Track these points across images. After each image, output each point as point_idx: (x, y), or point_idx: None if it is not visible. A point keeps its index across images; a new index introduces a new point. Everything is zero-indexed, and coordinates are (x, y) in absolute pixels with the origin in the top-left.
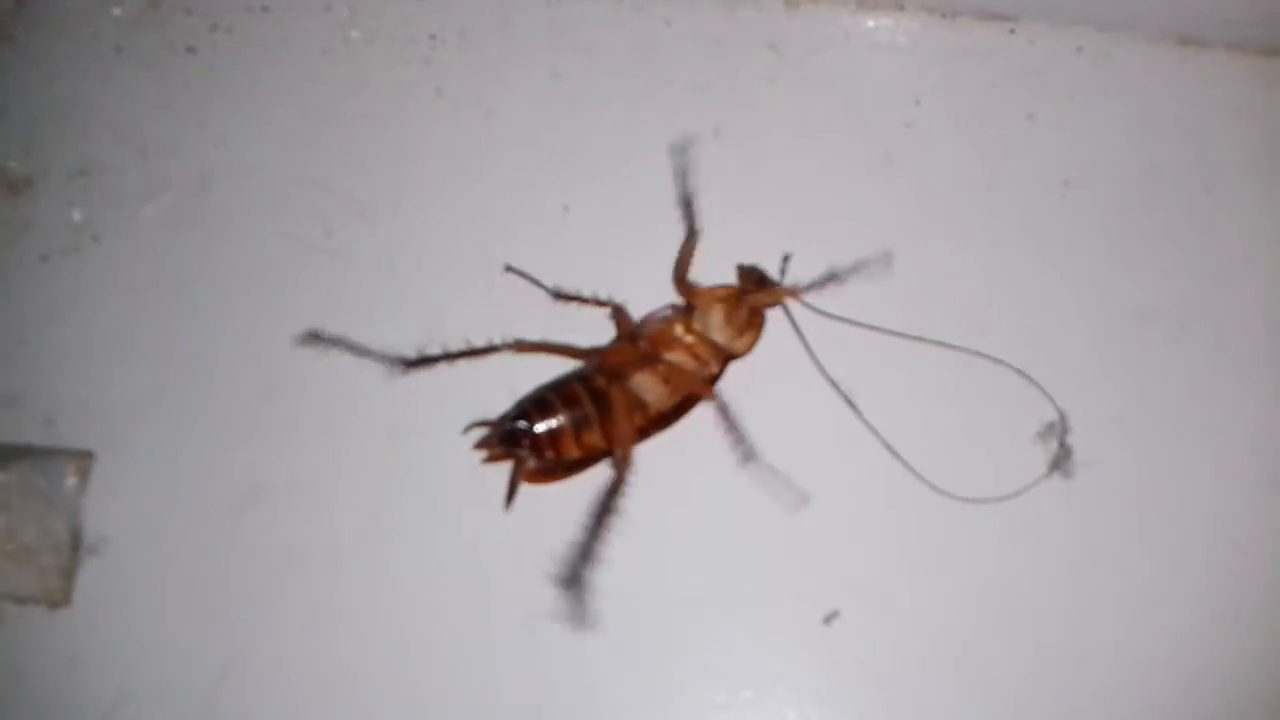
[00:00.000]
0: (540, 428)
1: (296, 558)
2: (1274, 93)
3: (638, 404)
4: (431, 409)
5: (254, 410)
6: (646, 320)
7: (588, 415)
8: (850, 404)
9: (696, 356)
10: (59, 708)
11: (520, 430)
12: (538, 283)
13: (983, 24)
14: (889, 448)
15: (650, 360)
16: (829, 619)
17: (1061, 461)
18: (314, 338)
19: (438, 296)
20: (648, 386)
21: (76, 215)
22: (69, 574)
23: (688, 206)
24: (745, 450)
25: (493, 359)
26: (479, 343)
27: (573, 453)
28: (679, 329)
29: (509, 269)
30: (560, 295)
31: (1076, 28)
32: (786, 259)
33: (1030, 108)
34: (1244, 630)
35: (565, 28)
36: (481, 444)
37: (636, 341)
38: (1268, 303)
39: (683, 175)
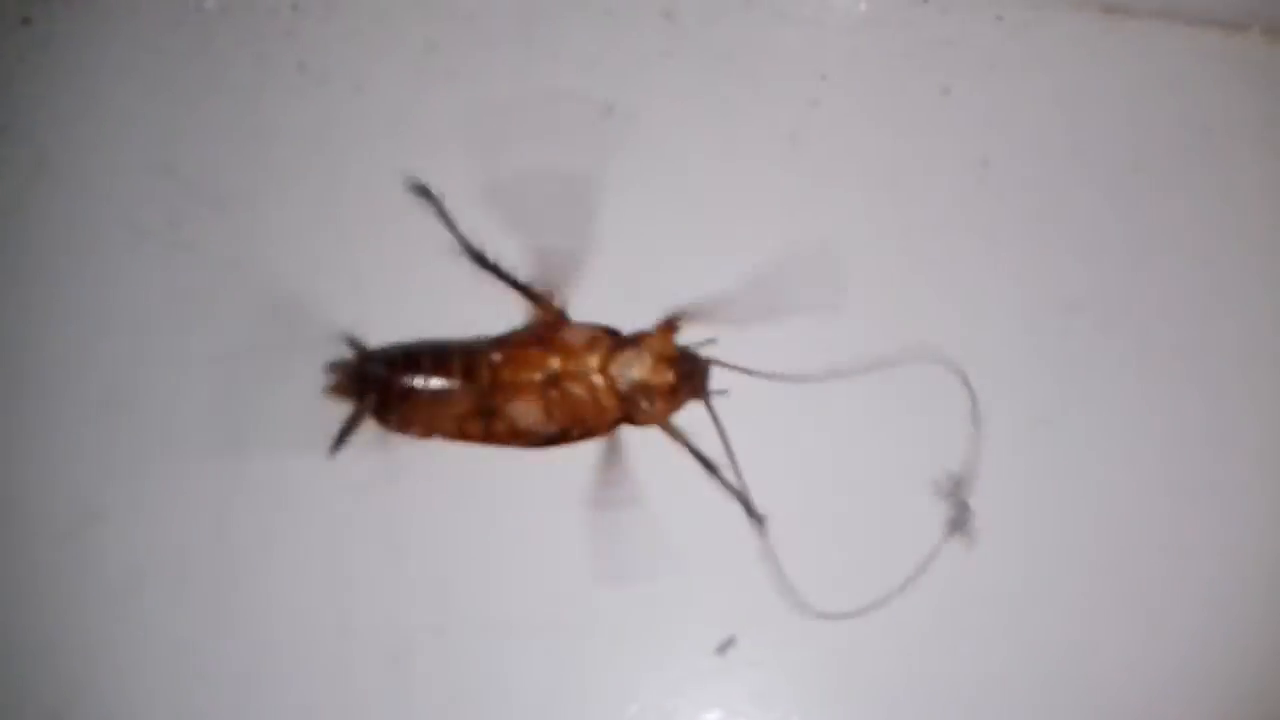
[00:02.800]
0: (398, 380)
1: (138, 585)
2: (1205, 65)
3: (508, 418)
4: (283, 419)
5: (91, 422)
6: (568, 324)
7: (450, 397)
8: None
9: (595, 398)
10: None
11: (374, 376)
12: (458, 234)
13: None
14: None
15: (545, 380)
16: (724, 648)
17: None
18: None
19: (299, 295)
20: (526, 409)
21: None
22: None
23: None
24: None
25: None
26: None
27: (415, 430)
28: (592, 360)
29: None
30: (484, 263)
31: None
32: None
33: (945, 81)
34: (1174, 632)
35: None
36: (334, 369)
37: (543, 345)
38: (1199, 291)
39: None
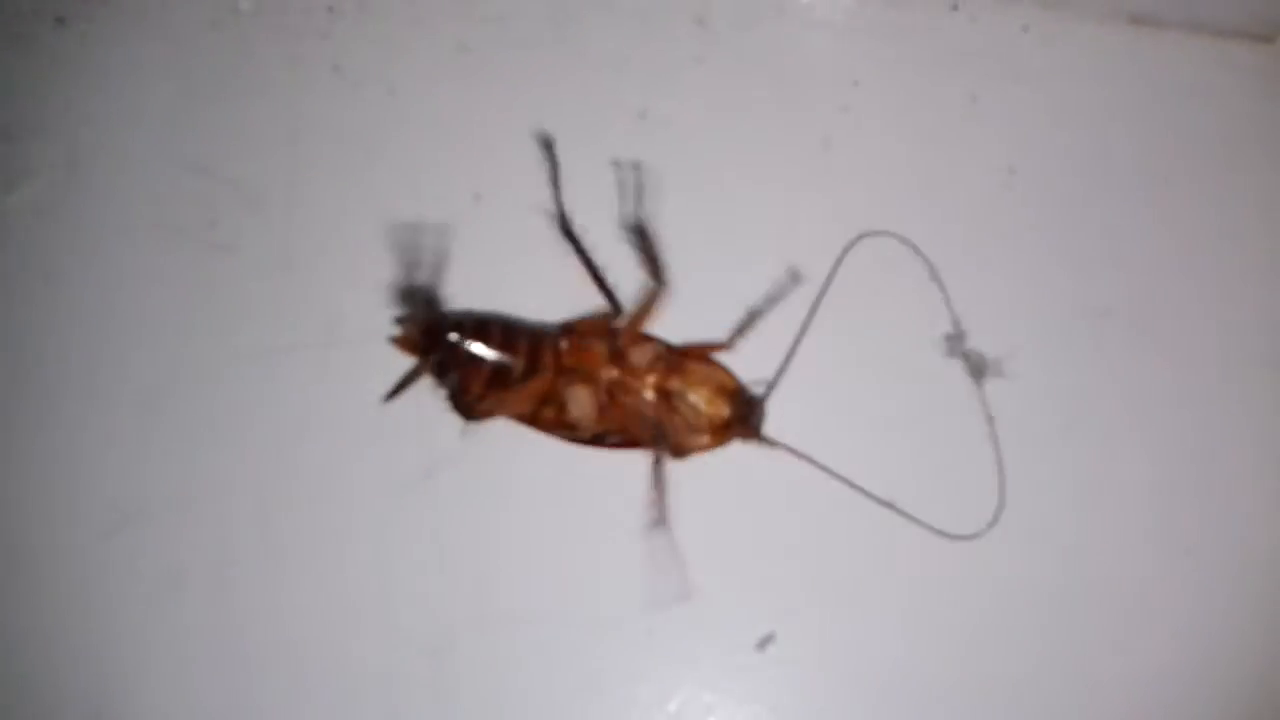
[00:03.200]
0: (465, 346)
1: (178, 584)
2: (1230, 75)
3: (559, 405)
4: (329, 419)
5: (132, 420)
6: (631, 334)
7: (512, 371)
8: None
9: (645, 412)
10: None
11: (444, 335)
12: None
13: (923, 0)
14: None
15: (602, 380)
16: (763, 644)
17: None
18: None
19: (335, 292)
20: (580, 398)
21: None
22: None
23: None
24: (657, 516)
25: None
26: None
27: (468, 397)
28: (650, 377)
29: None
30: (570, 236)
31: (1022, 5)
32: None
33: (973, 89)
34: (1195, 635)
35: None
36: (403, 320)
37: (611, 348)
38: (1225, 297)
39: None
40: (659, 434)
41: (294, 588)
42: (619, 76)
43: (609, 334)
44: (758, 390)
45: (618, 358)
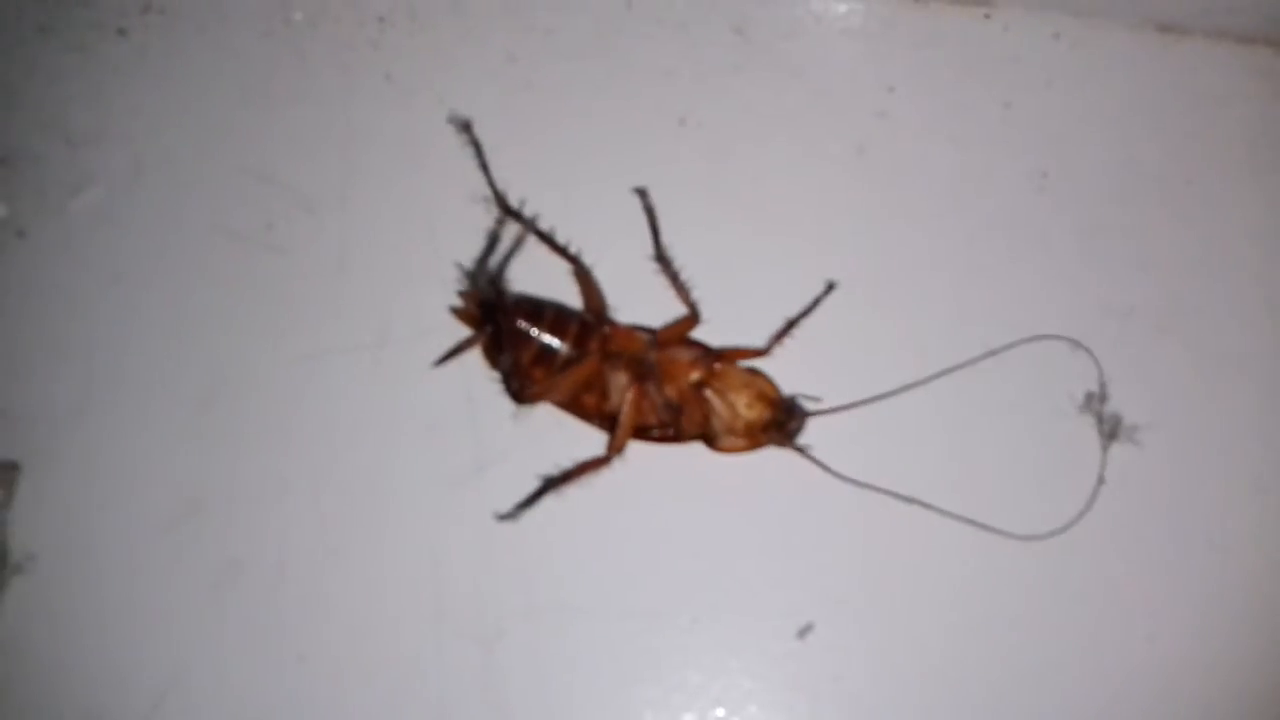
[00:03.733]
0: (518, 324)
1: (238, 573)
2: (1256, 82)
3: (601, 388)
4: (381, 414)
5: (192, 417)
6: (676, 338)
7: (559, 353)
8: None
9: (685, 408)
10: None
11: (501, 310)
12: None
13: (957, 9)
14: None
15: (644, 373)
16: (803, 633)
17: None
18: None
19: (387, 293)
20: (622, 386)
21: (0, 209)
22: None
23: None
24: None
25: None
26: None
27: (517, 374)
28: (692, 375)
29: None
30: (511, 213)
31: (1054, 13)
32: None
33: (1007, 96)
34: (1224, 630)
35: (521, 10)
36: (465, 295)
37: (650, 345)
38: (1250, 299)
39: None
40: (696, 427)
41: (347, 579)
42: (660, 85)
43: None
44: (804, 403)
45: (659, 349)
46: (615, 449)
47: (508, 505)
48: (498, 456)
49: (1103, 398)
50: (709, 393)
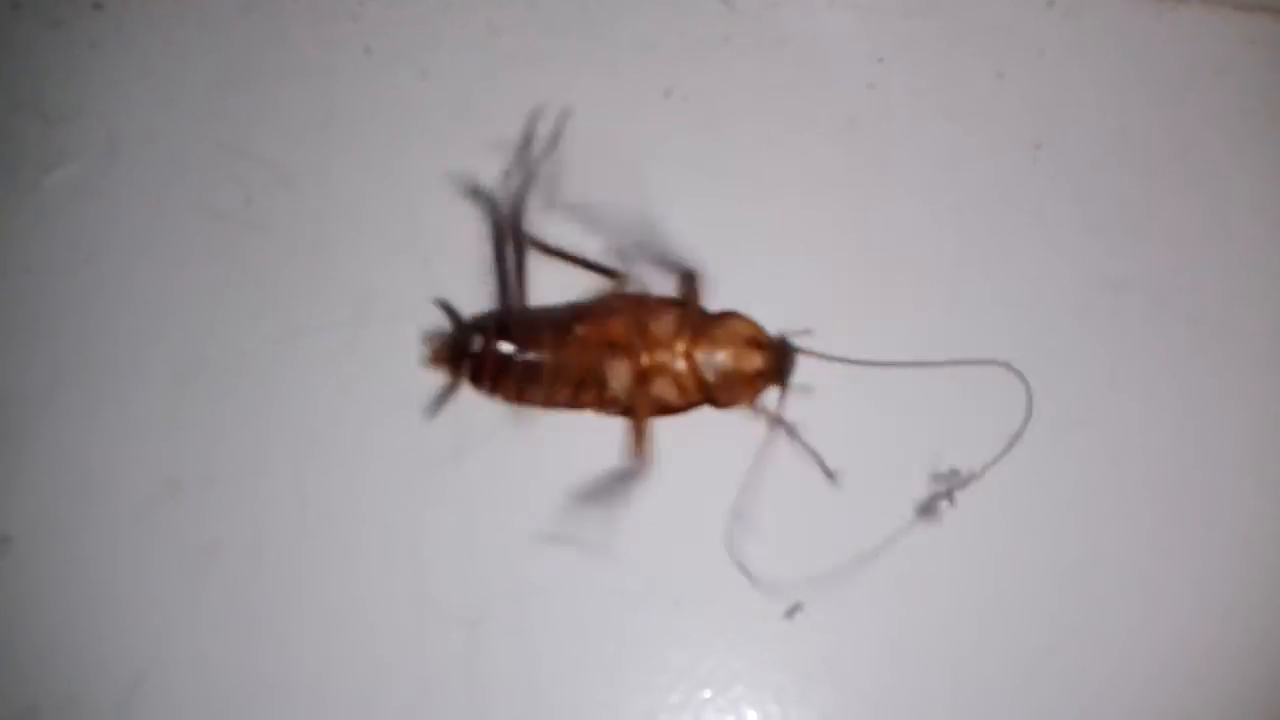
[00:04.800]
0: (492, 349)
1: (216, 556)
2: (1253, 50)
3: (598, 381)
4: (362, 393)
5: (170, 396)
6: (648, 304)
7: (543, 366)
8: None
9: (678, 382)
10: None
11: (470, 347)
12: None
13: None
14: None
15: (630, 352)
16: (791, 612)
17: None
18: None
19: (366, 271)
20: (621, 373)
21: None
22: None
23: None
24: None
25: None
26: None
27: (507, 395)
28: (678, 346)
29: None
30: (559, 253)
31: None
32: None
33: (999, 65)
34: (1231, 619)
35: None
36: (431, 341)
37: (630, 320)
38: (1246, 272)
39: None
40: (699, 393)
41: (326, 560)
42: (645, 57)
43: (627, 306)
44: (794, 341)
45: (640, 331)
46: (642, 454)
47: (491, 486)
48: (481, 437)
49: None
50: (699, 354)
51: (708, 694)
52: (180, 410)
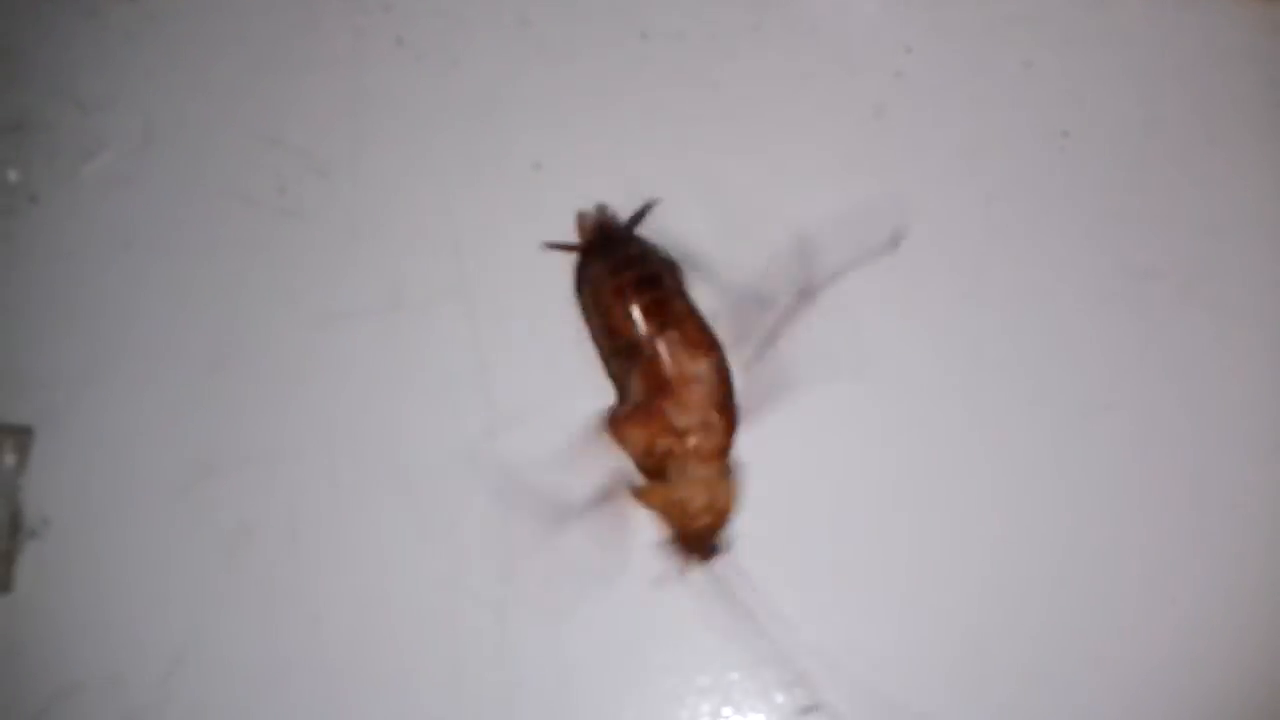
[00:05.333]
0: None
1: (252, 537)
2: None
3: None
4: (394, 377)
5: (204, 381)
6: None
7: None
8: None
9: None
10: None
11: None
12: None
13: None
14: None
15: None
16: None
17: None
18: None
19: (398, 258)
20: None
21: (12, 175)
22: (9, 559)
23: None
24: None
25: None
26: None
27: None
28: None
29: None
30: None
31: None
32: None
33: (1027, 55)
34: (1250, 605)
35: None
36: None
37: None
38: (1275, 261)
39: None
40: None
41: (359, 542)
42: (677, 46)
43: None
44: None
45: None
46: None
47: (521, 469)
48: (511, 420)
49: None
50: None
51: (736, 676)
52: (215, 394)
